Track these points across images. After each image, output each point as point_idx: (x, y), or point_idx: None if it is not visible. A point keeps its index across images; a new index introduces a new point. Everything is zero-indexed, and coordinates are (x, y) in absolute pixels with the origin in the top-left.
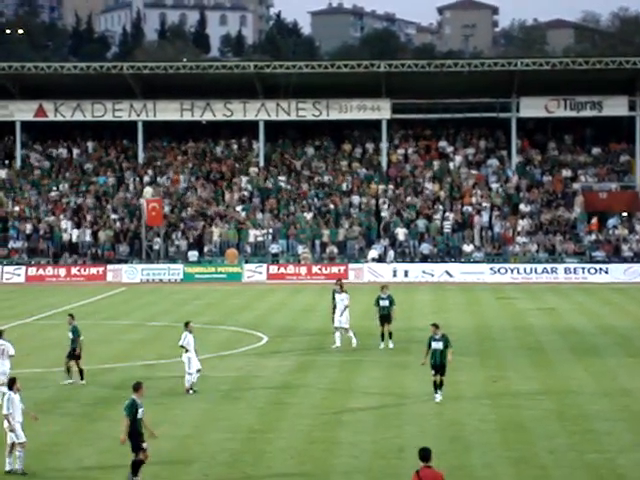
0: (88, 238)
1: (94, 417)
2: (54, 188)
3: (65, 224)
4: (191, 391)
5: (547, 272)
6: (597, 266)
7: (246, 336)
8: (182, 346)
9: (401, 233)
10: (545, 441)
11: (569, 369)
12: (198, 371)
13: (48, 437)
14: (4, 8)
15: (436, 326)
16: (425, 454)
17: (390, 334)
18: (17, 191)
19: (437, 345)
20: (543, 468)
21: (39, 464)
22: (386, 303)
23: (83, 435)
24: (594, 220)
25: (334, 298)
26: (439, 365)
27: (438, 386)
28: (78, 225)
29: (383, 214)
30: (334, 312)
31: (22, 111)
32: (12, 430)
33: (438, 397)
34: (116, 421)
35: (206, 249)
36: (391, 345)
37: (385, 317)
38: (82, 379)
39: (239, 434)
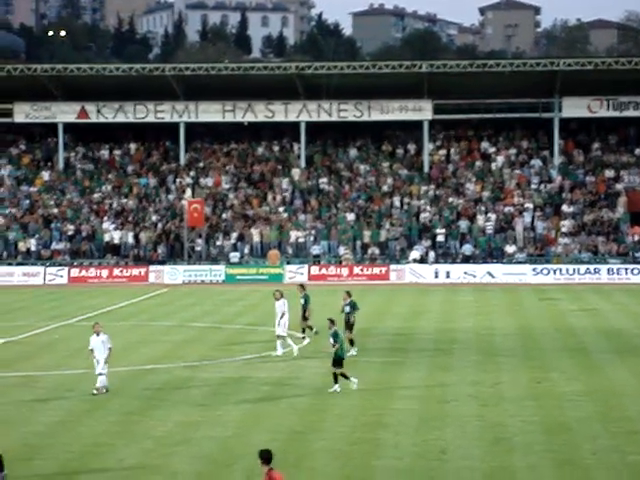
0: (130, 240)
1: (136, 418)
2: (96, 190)
3: (107, 225)
4: (104, 390)
5: (590, 273)
6: None
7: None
8: (91, 350)
9: (442, 234)
10: (589, 442)
11: (612, 370)
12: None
13: (92, 438)
14: (47, 10)
15: (332, 321)
16: (266, 456)
17: (351, 341)
18: (59, 193)
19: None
20: (587, 469)
21: (82, 465)
22: (347, 309)
23: (126, 435)
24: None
25: (302, 300)
26: (343, 358)
27: (336, 379)
28: (120, 226)
29: (424, 215)
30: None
31: (64, 113)
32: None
33: (337, 387)
34: (159, 421)
35: (247, 250)
36: (354, 352)
37: (347, 323)
38: None
39: (281, 435)
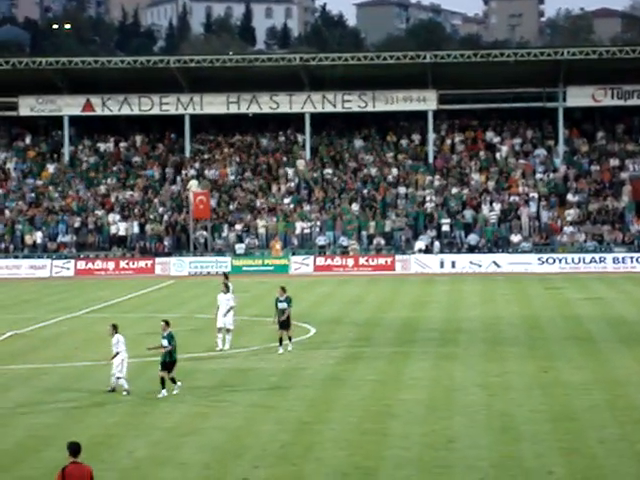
0: (136, 231)
1: (145, 409)
2: (102, 182)
3: (113, 218)
4: (125, 392)
5: (595, 262)
6: None
7: (294, 328)
8: (118, 352)
9: (447, 224)
10: (596, 431)
11: (619, 359)
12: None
13: (102, 429)
14: (51, 3)
15: (166, 323)
16: (74, 448)
17: (289, 338)
18: (65, 185)
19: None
20: (594, 458)
21: (92, 456)
22: (284, 305)
23: (135, 427)
24: None
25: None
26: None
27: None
28: (126, 218)
29: (429, 205)
30: (217, 313)
31: (70, 106)
32: None
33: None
34: (168, 412)
35: (255, 242)
36: (290, 348)
37: (284, 320)
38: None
39: (289, 425)
